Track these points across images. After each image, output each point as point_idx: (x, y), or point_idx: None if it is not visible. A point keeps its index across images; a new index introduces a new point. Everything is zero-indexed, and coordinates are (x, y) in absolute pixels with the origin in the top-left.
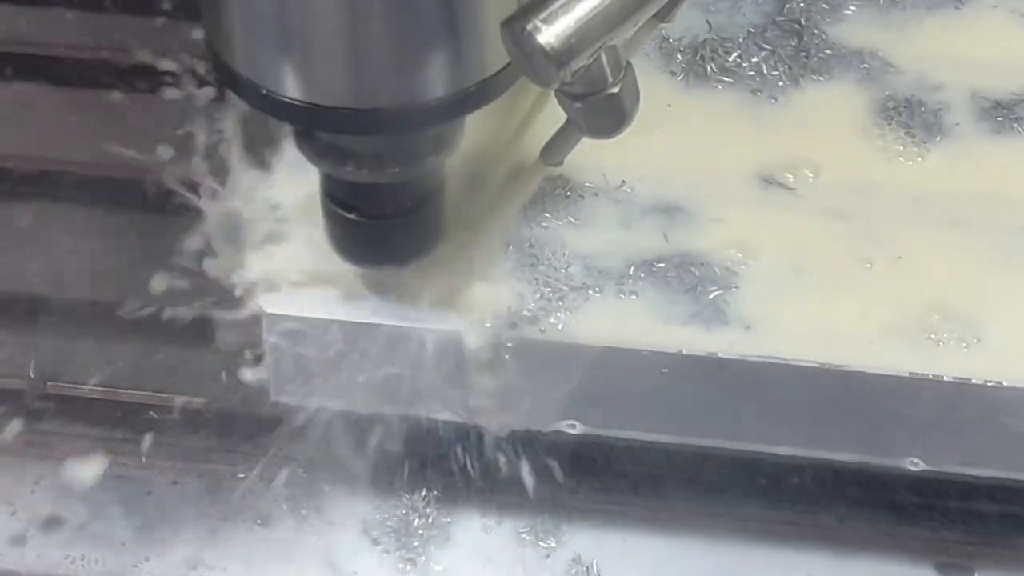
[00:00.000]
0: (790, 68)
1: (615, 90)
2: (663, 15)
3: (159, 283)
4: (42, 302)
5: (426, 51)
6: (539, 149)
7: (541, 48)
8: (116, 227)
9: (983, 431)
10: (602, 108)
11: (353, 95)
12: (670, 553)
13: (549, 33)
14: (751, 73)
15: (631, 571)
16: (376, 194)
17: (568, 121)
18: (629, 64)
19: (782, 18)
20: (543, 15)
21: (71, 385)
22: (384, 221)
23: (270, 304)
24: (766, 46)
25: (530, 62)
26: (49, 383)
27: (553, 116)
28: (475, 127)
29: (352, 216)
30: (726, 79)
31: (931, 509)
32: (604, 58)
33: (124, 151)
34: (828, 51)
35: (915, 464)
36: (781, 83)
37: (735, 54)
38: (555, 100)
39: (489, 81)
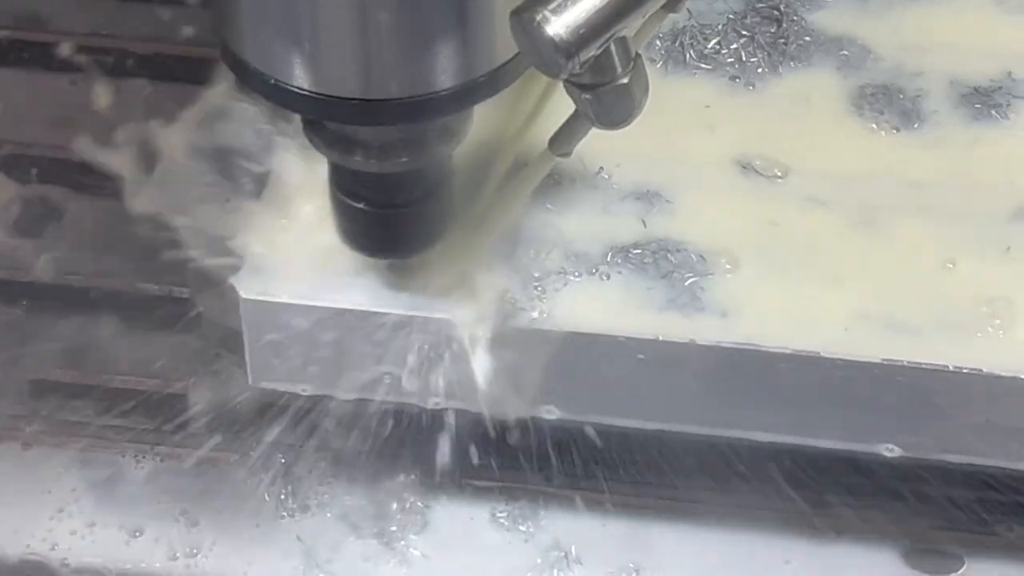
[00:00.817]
0: (769, 55)
1: (624, 80)
2: (672, 5)
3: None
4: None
5: (435, 41)
6: (547, 139)
7: (550, 38)
8: None
9: (959, 418)
10: (611, 99)
11: (362, 85)
12: (647, 539)
13: (558, 23)
14: (730, 60)
15: (608, 556)
16: (384, 183)
17: (577, 112)
18: (638, 55)
19: (761, 5)
20: (552, 5)
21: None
22: (392, 210)
23: (246, 288)
24: (745, 33)
25: (539, 52)
26: None
27: (562, 106)
28: (483, 116)
29: (360, 205)
30: (705, 66)
31: (905, 495)
32: (613, 48)
33: None
34: (807, 38)
35: (891, 451)
36: (760, 70)
37: (714, 40)
38: (563, 90)
39: (498, 71)
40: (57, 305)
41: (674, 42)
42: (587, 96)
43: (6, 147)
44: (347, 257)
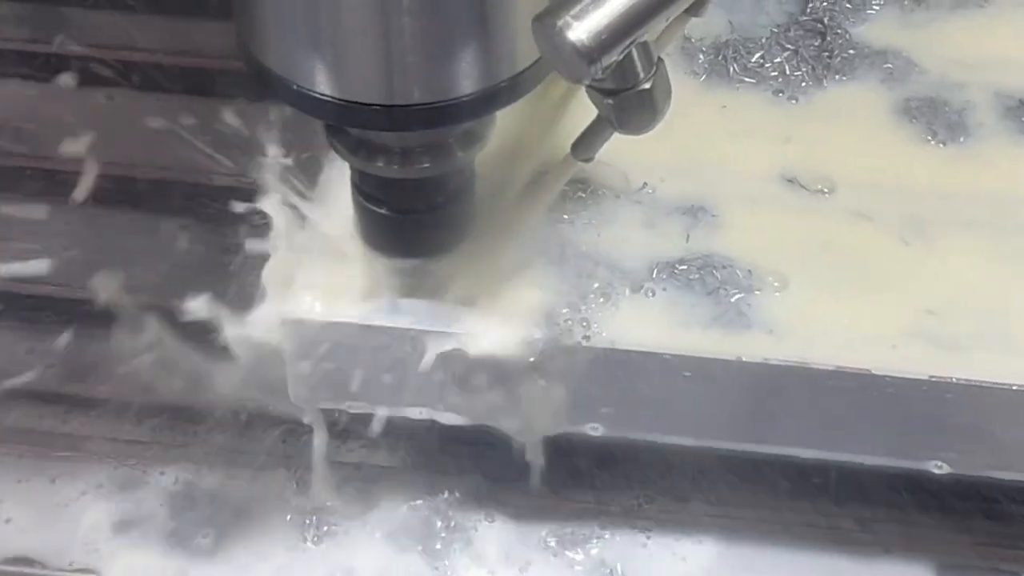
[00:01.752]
0: (813, 68)
1: (647, 86)
2: (694, 10)
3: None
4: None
5: (457, 47)
6: (569, 143)
7: (572, 44)
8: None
9: (1008, 434)
10: (634, 104)
11: (384, 92)
12: (693, 556)
13: (580, 29)
14: (774, 73)
15: (656, 573)
16: (406, 189)
17: (599, 117)
18: (661, 60)
19: (805, 18)
20: (574, 11)
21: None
22: (414, 216)
23: (288, 308)
24: (789, 46)
25: (561, 58)
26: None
27: (583, 110)
28: (505, 121)
29: (382, 211)
30: (748, 79)
31: (959, 511)
32: (635, 54)
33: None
34: (851, 51)
35: (939, 467)
36: (804, 83)
37: (758, 54)
38: (585, 94)
39: (520, 77)
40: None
41: (717, 56)
42: (609, 101)
43: None
44: (388, 275)
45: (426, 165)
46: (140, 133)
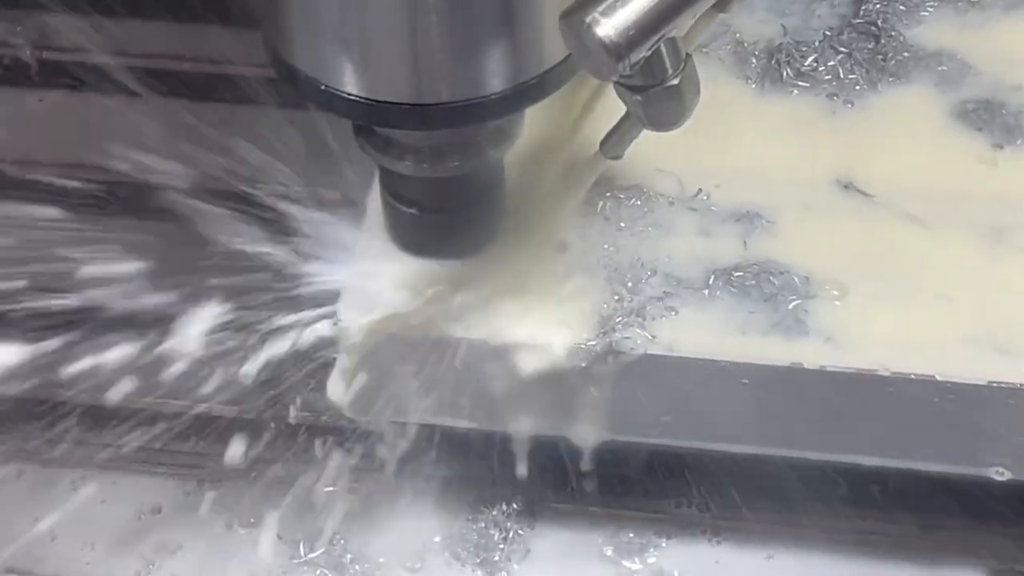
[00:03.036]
0: (867, 71)
1: (675, 82)
2: (722, 5)
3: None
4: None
5: (485, 46)
6: (598, 140)
7: (600, 41)
8: None
9: None
10: (662, 100)
11: (412, 91)
12: (755, 566)
13: (608, 25)
14: (827, 77)
15: None
16: (435, 188)
17: (627, 114)
18: (689, 56)
19: (858, 20)
20: (602, 7)
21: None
22: (443, 215)
23: (347, 316)
24: (842, 49)
25: (589, 55)
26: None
27: (612, 107)
28: (534, 119)
29: (412, 210)
30: (802, 83)
31: (1011, 517)
32: (664, 50)
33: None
34: (905, 53)
35: (1000, 473)
36: (858, 87)
37: (811, 58)
38: (614, 91)
39: (548, 74)
40: None
41: (770, 60)
42: (637, 98)
43: None
44: (424, 280)
45: (455, 164)
46: None
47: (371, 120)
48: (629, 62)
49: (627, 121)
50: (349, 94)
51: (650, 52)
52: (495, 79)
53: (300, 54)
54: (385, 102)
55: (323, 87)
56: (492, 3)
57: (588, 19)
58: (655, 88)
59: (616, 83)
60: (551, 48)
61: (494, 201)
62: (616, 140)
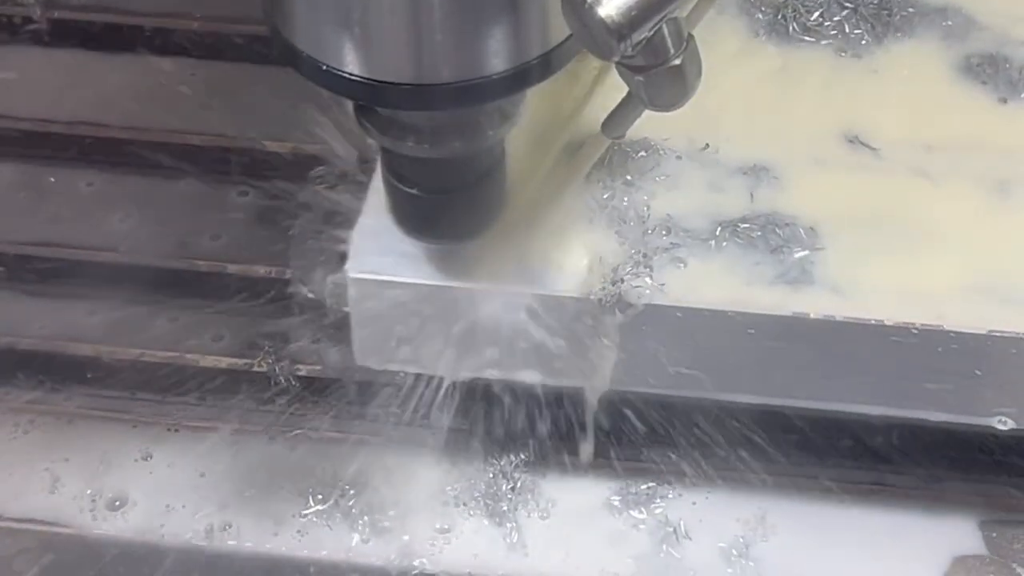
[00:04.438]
0: (873, 26)
1: (677, 62)
2: None
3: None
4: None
5: (487, 25)
6: (600, 120)
7: (602, 21)
8: None
9: None
10: (664, 80)
11: (414, 71)
12: (757, 514)
13: (610, 5)
14: (833, 32)
15: (719, 532)
16: (437, 168)
17: (629, 94)
18: (691, 36)
19: None
20: None
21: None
22: (445, 195)
23: (356, 268)
24: (848, 4)
25: (591, 35)
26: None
27: (614, 87)
28: (536, 99)
29: (413, 191)
30: (808, 38)
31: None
32: (666, 30)
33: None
34: (911, 8)
35: (1003, 423)
36: (864, 41)
37: (817, 13)
38: (615, 71)
39: (550, 54)
40: None
41: (776, 15)
42: (639, 78)
43: None
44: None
45: (456, 144)
46: None
47: (373, 100)
48: (631, 42)
49: (629, 101)
50: (351, 74)
51: (652, 32)
52: (497, 59)
53: (301, 33)
54: (387, 82)
55: (324, 67)
56: None
57: None
58: (657, 68)
59: (618, 64)
60: (553, 28)
61: (495, 182)
62: (618, 120)
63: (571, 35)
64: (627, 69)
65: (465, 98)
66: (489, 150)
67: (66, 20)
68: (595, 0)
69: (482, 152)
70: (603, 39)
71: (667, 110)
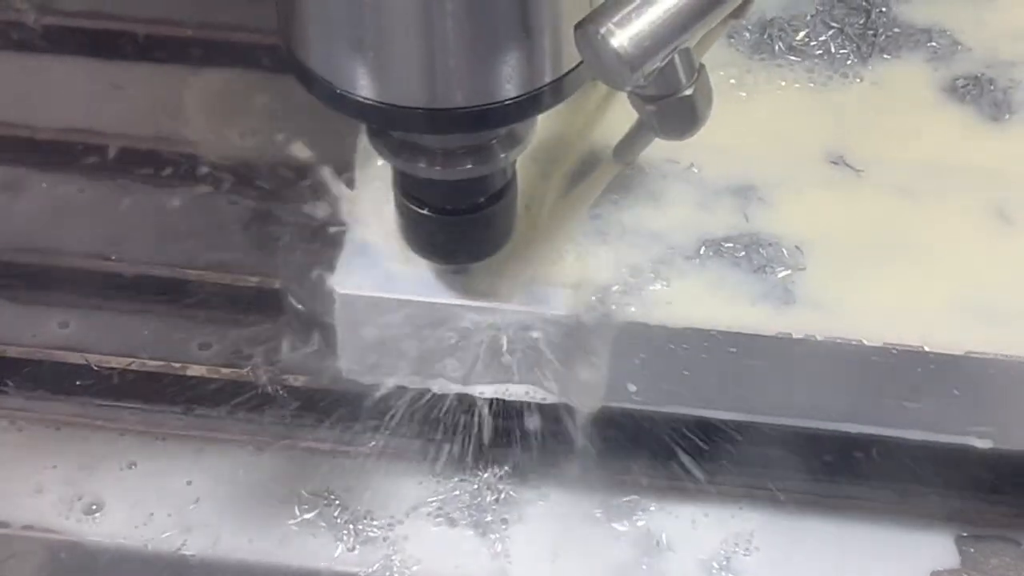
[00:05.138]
0: (858, 47)
1: (688, 92)
2: (737, 13)
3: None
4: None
5: (500, 51)
6: (609, 143)
7: (615, 51)
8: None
9: None
10: (675, 110)
11: (427, 95)
12: (738, 528)
13: (623, 36)
14: (819, 52)
15: (700, 545)
16: (448, 190)
17: (640, 121)
18: (702, 66)
19: None
20: (617, 18)
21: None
22: (456, 217)
23: (343, 284)
24: (834, 24)
25: (603, 65)
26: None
27: (623, 111)
28: (546, 122)
29: (424, 211)
30: (794, 58)
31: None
32: (678, 60)
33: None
34: (896, 29)
35: (982, 442)
36: (849, 61)
37: (803, 32)
38: (625, 95)
39: (562, 80)
40: None
41: (763, 34)
42: (651, 107)
43: None
44: (432, 278)
45: (468, 166)
46: None
47: (386, 124)
48: (643, 73)
49: (639, 129)
50: (364, 97)
51: (664, 63)
52: (510, 85)
53: (316, 56)
54: (400, 106)
55: (338, 90)
56: (507, 9)
57: (603, 30)
58: (669, 98)
59: (630, 93)
60: (566, 54)
61: (506, 205)
62: (628, 147)
63: (582, 61)
64: (639, 98)
65: (478, 123)
66: (501, 172)
67: (61, 26)
68: (608, 31)
69: (493, 174)
70: (616, 69)
71: (678, 139)
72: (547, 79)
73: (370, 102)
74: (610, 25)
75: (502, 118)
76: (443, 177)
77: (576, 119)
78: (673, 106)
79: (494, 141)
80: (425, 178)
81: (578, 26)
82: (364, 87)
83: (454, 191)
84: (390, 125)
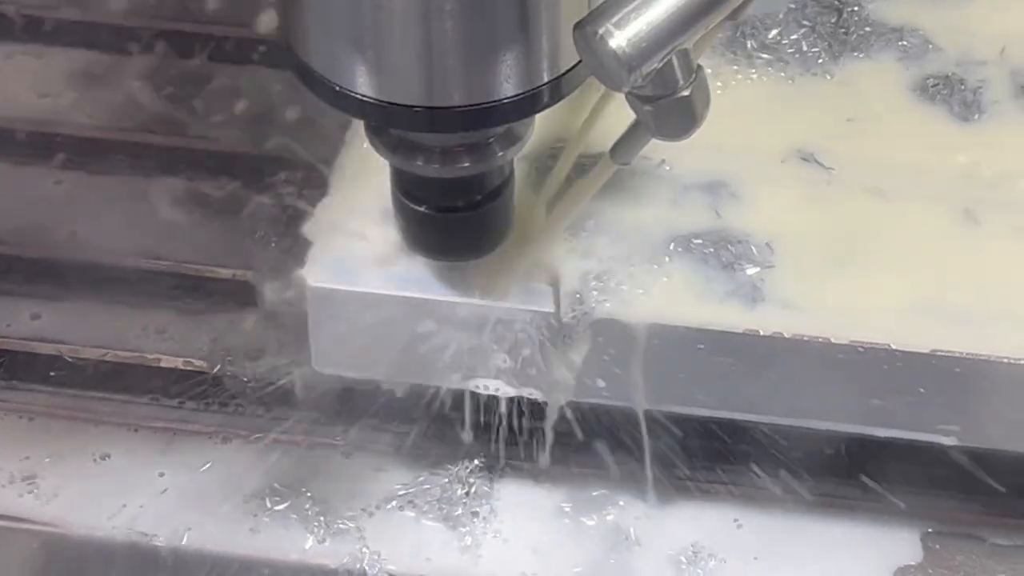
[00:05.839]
0: (830, 45)
1: (686, 93)
2: (734, 15)
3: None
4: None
5: (499, 50)
6: (606, 142)
7: (613, 52)
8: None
9: (1015, 408)
10: (673, 111)
11: (426, 93)
12: (705, 523)
13: (621, 37)
14: (791, 50)
15: (668, 540)
16: (446, 188)
17: (637, 121)
18: (700, 66)
19: None
20: (615, 19)
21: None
22: (453, 214)
23: (313, 275)
24: (806, 23)
25: (602, 66)
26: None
27: (620, 110)
28: (544, 121)
29: (422, 209)
30: (765, 55)
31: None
32: (675, 61)
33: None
34: (867, 28)
35: (948, 439)
36: (821, 60)
37: (775, 31)
38: (622, 95)
39: (560, 79)
40: None
41: (735, 32)
42: (648, 108)
43: None
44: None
45: (466, 164)
46: None
47: (384, 122)
48: (641, 73)
49: (637, 129)
50: (363, 95)
51: (662, 64)
52: (508, 84)
53: (315, 54)
54: (398, 104)
55: (337, 88)
56: (506, 9)
57: (601, 31)
58: (666, 99)
59: (628, 93)
60: (564, 53)
61: (503, 203)
62: (626, 147)
63: (581, 60)
64: (636, 99)
65: (476, 121)
66: (498, 170)
67: (38, 16)
68: (607, 32)
69: (491, 172)
70: (614, 70)
71: (675, 140)
72: (545, 78)
73: (369, 100)
74: (608, 26)
75: (500, 117)
76: (441, 175)
77: (574, 118)
78: (670, 107)
79: (492, 139)
80: (422, 175)
81: (576, 26)
82: (363, 85)
83: (451, 188)
84: (389, 123)
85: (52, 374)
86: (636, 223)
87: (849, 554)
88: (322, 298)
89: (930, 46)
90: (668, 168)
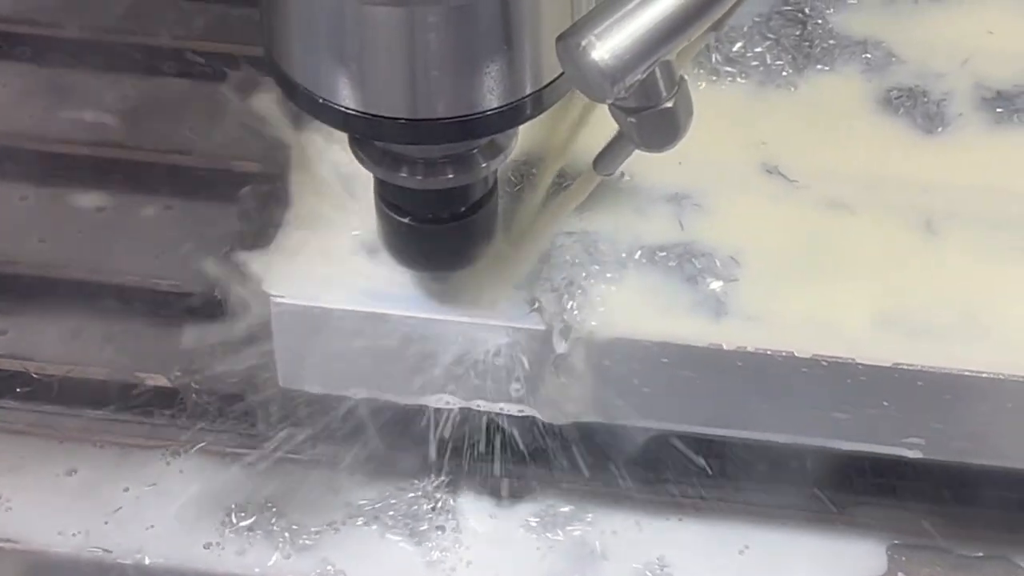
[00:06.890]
0: (794, 58)
1: (669, 104)
2: (716, 25)
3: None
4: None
5: (482, 62)
6: (589, 153)
7: (595, 64)
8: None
9: (979, 421)
10: (656, 122)
11: (409, 106)
12: (671, 537)
13: (603, 49)
14: (755, 63)
15: (634, 554)
16: (430, 199)
17: (620, 133)
18: (683, 78)
19: (786, 7)
20: (597, 31)
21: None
22: (437, 226)
23: (277, 290)
24: (770, 35)
25: (584, 77)
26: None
27: (604, 121)
28: (527, 132)
29: (405, 220)
30: (730, 68)
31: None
32: (658, 73)
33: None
34: (831, 41)
35: (912, 452)
36: (785, 73)
37: (739, 43)
38: (605, 106)
39: (543, 91)
40: None
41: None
42: (632, 120)
43: None
44: (383, 263)
45: (450, 176)
46: None
47: (367, 134)
48: (624, 85)
49: (620, 140)
50: (346, 107)
51: (645, 75)
52: (491, 96)
53: (297, 65)
54: (381, 116)
55: (320, 100)
56: (489, 21)
57: (584, 42)
58: (649, 110)
59: (611, 104)
60: (547, 65)
61: (487, 214)
62: (609, 158)
63: (563, 72)
64: (619, 110)
65: (459, 133)
66: (482, 181)
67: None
68: (589, 43)
69: (475, 183)
70: (597, 82)
71: (658, 151)
72: (528, 90)
73: (352, 112)
74: (591, 37)
75: (483, 128)
76: (424, 186)
77: (557, 130)
78: (654, 118)
79: (475, 151)
80: (405, 187)
81: (559, 38)
82: (346, 97)
83: (435, 200)
84: (372, 135)
85: (18, 390)
86: (599, 235)
87: (815, 567)
88: (286, 314)
89: (894, 59)
90: (630, 179)
